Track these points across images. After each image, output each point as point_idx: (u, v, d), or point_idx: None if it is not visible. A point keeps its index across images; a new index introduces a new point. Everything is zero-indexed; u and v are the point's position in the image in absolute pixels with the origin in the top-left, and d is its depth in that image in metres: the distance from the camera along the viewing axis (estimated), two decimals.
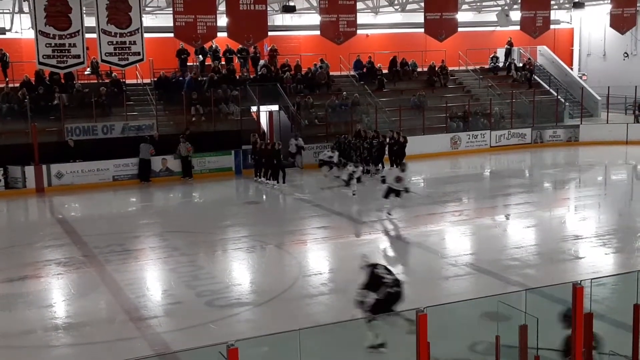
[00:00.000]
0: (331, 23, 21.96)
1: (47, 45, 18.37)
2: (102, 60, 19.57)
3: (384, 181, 16.72)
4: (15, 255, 14.24)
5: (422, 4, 24.98)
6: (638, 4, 27.28)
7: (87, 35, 19.02)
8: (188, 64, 26.98)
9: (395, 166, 22.13)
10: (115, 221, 17.59)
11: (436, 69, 30.28)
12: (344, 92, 27.29)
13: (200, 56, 27.25)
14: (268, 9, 21.50)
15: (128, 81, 25.74)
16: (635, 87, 27.59)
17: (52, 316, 10.85)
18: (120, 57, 19.29)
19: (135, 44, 19.28)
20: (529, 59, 33.18)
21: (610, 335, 8.24)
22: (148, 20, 25.86)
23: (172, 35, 20.51)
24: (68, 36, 18.52)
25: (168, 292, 11.79)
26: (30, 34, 21.60)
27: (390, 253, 14.21)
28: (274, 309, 10.77)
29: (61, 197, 20.09)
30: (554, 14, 31.63)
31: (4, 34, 26.16)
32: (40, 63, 18.84)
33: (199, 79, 25.79)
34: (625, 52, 35.15)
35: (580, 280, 6.86)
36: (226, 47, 27.24)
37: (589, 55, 37.62)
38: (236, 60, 27.95)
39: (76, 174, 21.08)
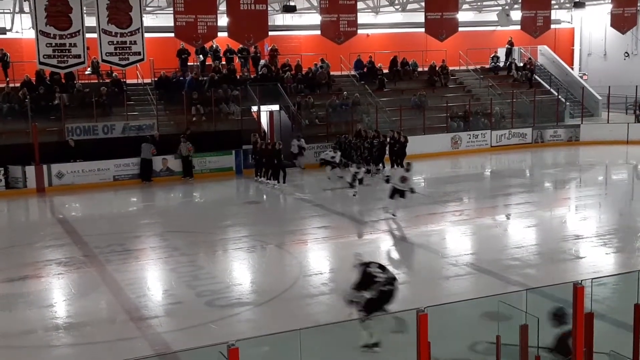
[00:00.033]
0: (332, 23, 21.97)
1: (48, 45, 18.39)
2: (103, 60, 19.59)
3: (388, 181, 16.54)
4: (15, 255, 14.25)
5: (423, 4, 24.98)
6: (639, 4, 27.25)
7: (88, 35, 19.04)
8: (189, 63, 26.98)
9: (395, 166, 22.18)
10: (116, 221, 17.60)
11: (437, 68, 30.27)
12: (345, 92, 27.29)
13: (201, 56, 27.25)
14: (268, 8, 21.50)
15: (129, 81, 25.74)
16: (636, 86, 27.61)
17: (53, 316, 10.85)
18: (120, 57, 19.30)
19: (136, 43, 19.29)
20: (530, 58, 33.16)
21: (611, 335, 8.25)
22: (148, 20, 25.84)
23: (172, 35, 20.53)
24: (69, 36, 18.53)
25: (168, 292, 11.79)
26: (30, 34, 21.62)
27: (391, 253, 14.20)
28: (274, 309, 10.77)
29: (62, 197, 20.09)
30: (555, 14, 31.64)
31: (5, 33, 26.17)
32: (40, 63, 18.86)
33: (200, 78, 25.79)
34: (626, 52, 35.13)
35: (581, 280, 6.85)
36: (227, 46, 27.24)
37: (589, 55, 37.60)
38: (237, 60, 27.95)
39: (77, 174, 21.09)
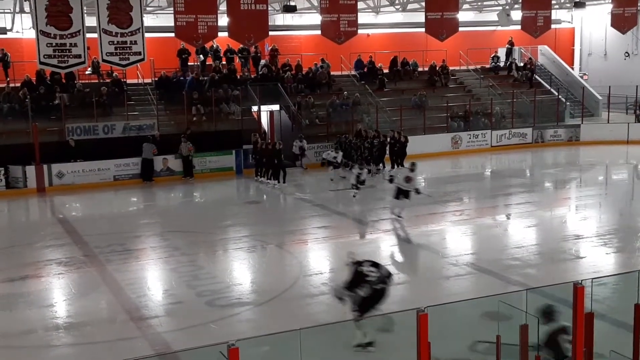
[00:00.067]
0: (332, 23, 21.97)
1: (48, 45, 18.40)
2: (103, 60, 19.60)
3: (391, 181, 16.17)
4: (16, 255, 14.25)
5: (423, 4, 24.99)
6: (639, 4, 27.25)
7: (88, 35, 19.04)
8: (189, 63, 26.99)
9: (396, 166, 22.18)
10: (116, 221, 17.60)
11: (437, 68, 30.26)
12: (345, 92, 27.29)
13: (201, 56, 27.25)
14: (269, 8, 21.50)
15: (129, 81, 25.74)
16: (637, 86, 27.60)
17: (53, 316, 10.86)
18: (121, 56, 19.31)
19: (136, 43, 19.30)
20: (530, 58, 33.16)
21: (611, 335, 8.25)
22: (149, 20, 25.87)
23: (173, 35, 20.53)
24: (69, 36, 18.54)
25: (169, 292, 11.79)
26: (31, 34, 21.62)
27: (391, 253, 14.19)
28: (274, 309, 10.77)
29: (62, 196, 20.10)
30: (555, 14, 31.64)
31: (5, 33, 26.19)
32: (41, 63, 18.86)
33: (200, 78, 25.79)
34: (626, 52, 35.13)
35: (581, 280, 6.86)
36: (227, 46, 27.24)
37: (590, 55, 37.59)
38: (237, 60, 27.95)
39: (77, 174, 21.09)
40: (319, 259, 13.80)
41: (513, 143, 27.30)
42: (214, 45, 26.90)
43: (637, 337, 7.36)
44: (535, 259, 13.12)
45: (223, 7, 21.89)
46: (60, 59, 18.62)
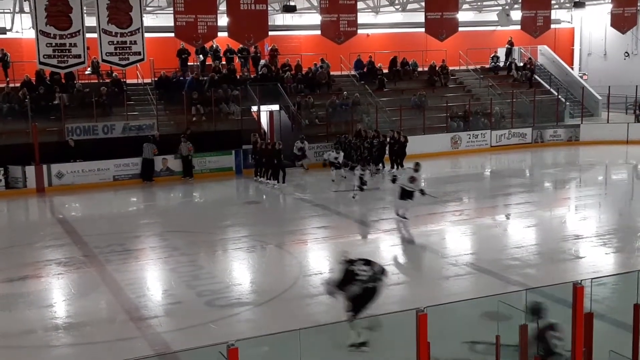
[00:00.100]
0: (332, 23, 21.97)
1: (48, 45, 18.40)
2: (103, 60, 19.60)
3: (394, 181, 15.61)
4: (15, 255, 14.25)
5: (423, 4, 25.00)
6: (639, 4, 27.26)
7: (88, 35, 19.04)
8: (189, 63, 26.99)
9: (395, 166, 22.19)
10: (116, 221, 17.60)
11: (437, 68, 30.27)
12: (345, 92, 27.29)
13: (201, 56, 27.26)
14: (269, 8, 21.50)
15: (129, 81, 25.75)
16: (636, 86, 27.60)
17: (53, 316, 10.85)
18: (120, 56, 19.31)
19: (136, 43, 19.30)
20: (530, 58, 33.17)
21: (610, 335, 8.25)
22: (149, 20, 25.86)
23: (172, 35, 20.53)
24: (69, 36, 18.54)
25: (168, 292, 11.79)
26: (31, 34, 21.62)
27: (390, 253, 14.18)
28: (274, 309, 10.77)
29: (62, 197, 20.10)
30: (555, 14, 31.64)
31: (5, 33, 26.18)
32: (41, 63, 18.87)
33: (200, 78, 25.80)
34: (626, 52, 35.13)
35: (581, 280, 6.86)
36: (227, 46, 27.25)
37: (589, 55, 37.60)
38: (237, 60, 27.96)
39: (77, 174, 21.09)
40: (318, 259, 13.80)
41: (513, 143, 27.30)
42: (214, 45, 26.90)
43: (636, 337, 7.37)
44: (534, 259, 13.12)
45: (223, 7, 21.89)
46: (59, 59, 18.62)
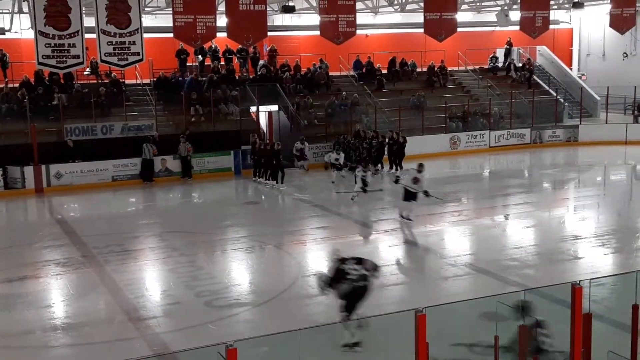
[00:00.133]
0: (330, 23, 21.97)
1: (47, 45, 18.38)
2: (102, 61, 19.58)
3: (397, 182, 15.60)
4: (14, 256, 14.24)
5: (422, 4, 25.01)
6: (637, 4, 27.29)
7: (87, 36, 19.02)
8: (187, 64, 26.99)
9: (394, 166, 22.19)
10: (115, 221, 17.59)
11: (435, 69, 30.28)
12: (344, 92, 27.30)
13: (200, 56, 27.26)
14: (267, 9, 21.50)
15: (127, 81, 25.75)
16: (635, 87, 27.61)
17: (51, 316, 10.84)
18: (119, 57, 19.29)
19: (135, 44, 19.28)
20: (529, 59, 33.19)
21: (609, 336, 8.26)
22: (147, 21, 25.86)
23: (171, 35, 20.52)
24: (67, 36, 18.53)
25: (167, 293, 11.79)
26: (29, 34, 21.61)
27: (390, 253, 14.18)
28: (273, 310, 10.77)
29: (60, 197, 20.09)
30: (554, 14, 31.64)
31: (4, 34, 26.17)
32: (39, 63, 18.85)
33: (199, 79, 25.79)
34: (625, 52, 35.16)
35: (579, 281, 6.87)
36: (225, 47, 27.25)
37: (588, 56, 37.63)
38: (235, 61, 27.95)
39: (75, 174, 21.07)
40: (317, 260, 13.78)
41: (511, 143, 27.31)
42: (213, 46, 26.90)
43: (635, 338, 7.37)
44: (533, 259, 13.12)
45: (222, 7, 21.87)
46: (58, 59, 18.61)
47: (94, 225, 16.90)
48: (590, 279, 7.83)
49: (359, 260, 9.25)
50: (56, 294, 12.00)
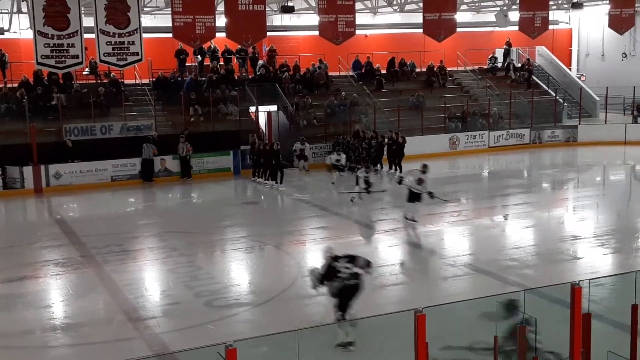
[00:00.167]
0: (330, 23, 21.97)
1: (46, 45, 18.38)
2: (101, 61, 19.58)
3: (400, 182, 15.37)
4: (13, 256, 14.23)
5: (421, 4, 25.01)
6: (636, 5, 27.31)
7: (86, 36, 19.03)
8: (187, 64, 26.99)
9: (394, 167, 22.19)
10: (114, 221, 17.58)
11: (435, 69, 30.29)
12: (343, 93, 27.30)
13: (199, 56, 27.26)
14: (267, 9, 21.50)
15: (126, 81, 25.75)
16: (634, 87, 27.62)
17: (51, 317, 10.83)
18: (118, 57, 19.29)
19: (134, 44, 19.28)
20: (528, 59, 33.21)
21: (608, 336, 8.26)
22: (147, 21, 25.87)
23: (170, 35, 20.53)
24: (66, 36, 18.52)
25: (166, 293, 11.78)
26: (28, 34, 21.59)
27: (389, 253, 14.18)
28: (272, 310, 10.77)
29: (59, 197, 20.08)
30: (553, 15, 31.70)
31: (3, 34, 26.13)
32: (38, 63, 18.86)
33: (198, 79, 25.79)
34: (624, 53, 35.18)
35: (579, 281, 6.87)
36: (225, 47, 27.25)
37: (587, 56, 37.66)
38: (235, 61, 27.96)
39: (74, 174, 21.06)
40: (317, 260, 13.75)
41: (511, 144, 27.32)
42: (212, 46, 26.90)
43: (634, 338, 7.38)
44: (532, 259, 13.12)
45: (221, 7, 21.86)
46: (57, 59, 18.61)
47: (93, 225, 16.89)
48: (590, 279, 7.82)
49: (352, 258, 9.26)
50: (55, 294, 11.99)
